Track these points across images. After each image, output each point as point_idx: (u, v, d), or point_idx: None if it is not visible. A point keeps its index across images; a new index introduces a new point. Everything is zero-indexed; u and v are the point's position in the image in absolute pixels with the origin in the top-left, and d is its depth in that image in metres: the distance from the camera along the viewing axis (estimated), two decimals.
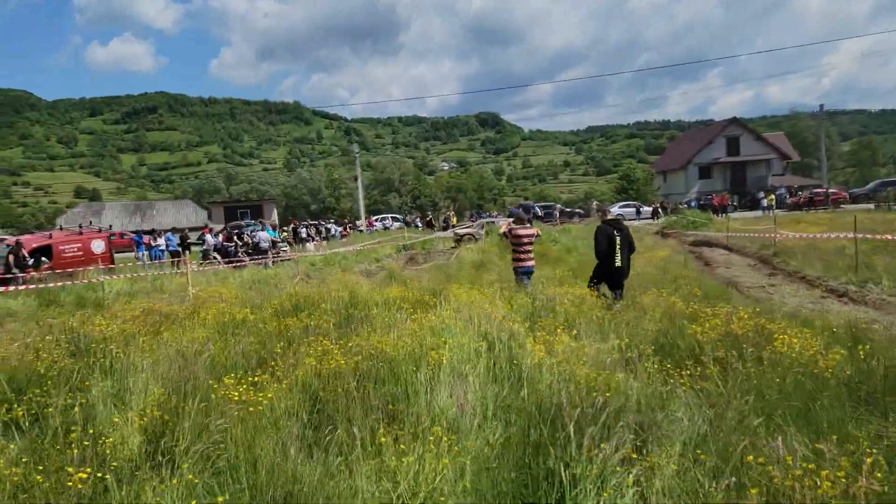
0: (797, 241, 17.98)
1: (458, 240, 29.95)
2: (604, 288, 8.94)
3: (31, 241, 18.48)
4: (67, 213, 53.22)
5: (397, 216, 51.29)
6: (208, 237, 24.23)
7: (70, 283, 14.42)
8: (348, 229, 39.83)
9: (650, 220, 42.25)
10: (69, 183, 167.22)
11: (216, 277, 17.28)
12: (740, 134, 53.08)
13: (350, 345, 4.80)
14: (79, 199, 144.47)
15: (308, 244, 31.56)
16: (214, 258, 23.51)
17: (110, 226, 27.54)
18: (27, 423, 4.00)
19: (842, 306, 9.69)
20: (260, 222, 40.37)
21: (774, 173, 51.38)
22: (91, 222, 20.64)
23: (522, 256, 9.49)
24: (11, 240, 18.03)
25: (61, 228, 21.05)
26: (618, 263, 8.75)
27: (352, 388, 3.94)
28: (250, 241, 24.98)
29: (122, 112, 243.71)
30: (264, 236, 24.93)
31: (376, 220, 48.14)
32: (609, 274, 8.80)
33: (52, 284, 13.93)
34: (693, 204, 41.65)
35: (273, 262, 22.58)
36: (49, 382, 4.54)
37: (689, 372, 4.27)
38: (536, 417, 3.16)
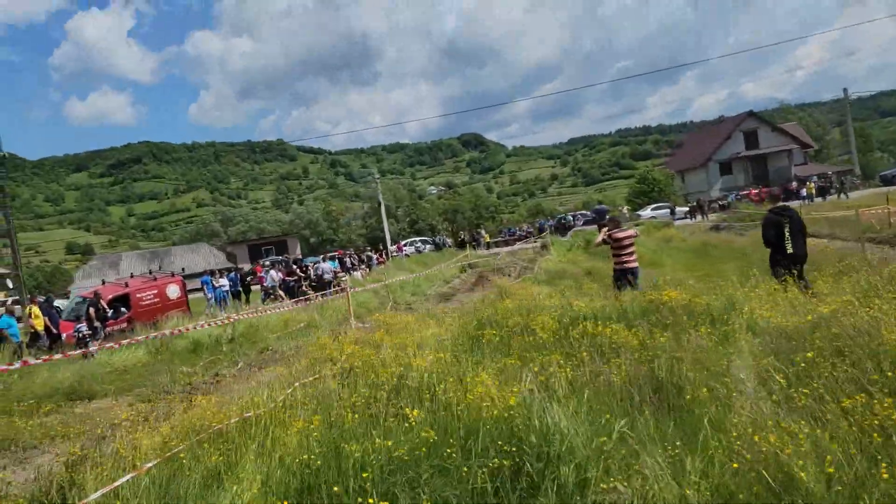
0: None
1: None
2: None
3: (108, 290, 17.29)
4: (84, 267, 51.22)
5: (427, 239, 50.29)
6: (272, 273, 23.07)
7: (181, 330, 13.21)
8: (383, 256, 39.01)
9: (688, 220, 41.36)
10: (59, 241, 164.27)
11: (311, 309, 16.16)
12: (757, 127, 52.71)
13: None
14: (71, 255, 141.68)
15: (356, 272, 30.51)
16: (280, 296, 22.49)
17: (183, 269, 26.21)
18: None
19: None
20: (284, 257, 39.40)
21: (796, 163, 50.96)
22: (150, 270, 19.61)
23: (625, 258, 9.75)
24: (89, 292, 16.81)
25: (132, 276, 19.82)
26: (790, 250, 8.46)
27: None
28: (313, 275, 23.95)
29: (107, 165, 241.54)
30: (327, 268, 23.92)
31: (404, 245, 47.38)
32: (785, 262, 8.35)
33: (171, 331, 12.73)
34: (732, 199, 41.00)
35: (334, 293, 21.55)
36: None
37: None
38: None
